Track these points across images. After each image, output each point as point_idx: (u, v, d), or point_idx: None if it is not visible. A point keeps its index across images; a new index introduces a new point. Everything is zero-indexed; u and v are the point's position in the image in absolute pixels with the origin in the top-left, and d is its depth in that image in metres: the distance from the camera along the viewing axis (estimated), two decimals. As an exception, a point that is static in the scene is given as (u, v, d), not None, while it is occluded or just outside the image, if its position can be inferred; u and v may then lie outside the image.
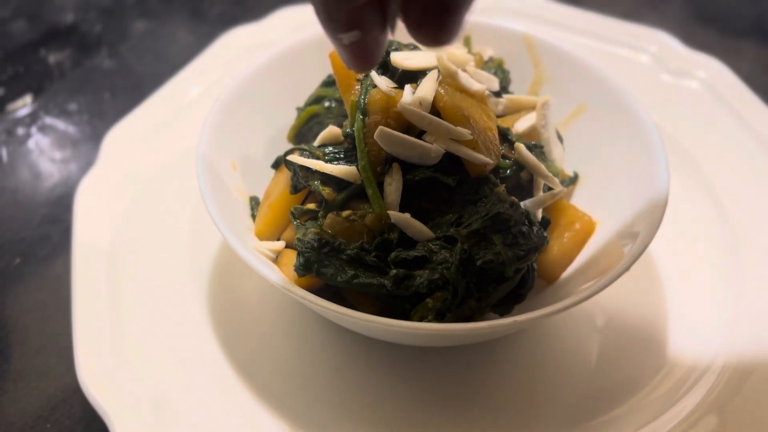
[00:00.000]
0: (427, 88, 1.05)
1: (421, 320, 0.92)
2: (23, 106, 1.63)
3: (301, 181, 1.07)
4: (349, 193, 1.04)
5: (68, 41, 1.81)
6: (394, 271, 0.94)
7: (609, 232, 1.13)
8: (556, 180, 1.09)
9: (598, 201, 1.20)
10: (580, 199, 1.24)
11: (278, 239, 1.12)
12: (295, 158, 1.06)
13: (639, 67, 1.55)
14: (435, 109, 1.04)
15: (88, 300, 1.12)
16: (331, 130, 1.11)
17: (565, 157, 1.29)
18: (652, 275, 1.23)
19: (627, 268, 0.96)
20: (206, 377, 1.06)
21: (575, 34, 1.62)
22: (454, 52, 1.13)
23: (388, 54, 1.09)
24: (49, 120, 1.58)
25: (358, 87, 1.08)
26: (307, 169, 1.05)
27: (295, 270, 0.98)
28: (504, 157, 1.09)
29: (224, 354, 1.09)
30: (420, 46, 1.15)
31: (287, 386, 1.06)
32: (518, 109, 1.20)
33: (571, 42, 1.58)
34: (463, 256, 0.93)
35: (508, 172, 1.08)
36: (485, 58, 1.29)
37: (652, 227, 1.00)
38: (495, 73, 1.23)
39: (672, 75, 1.53)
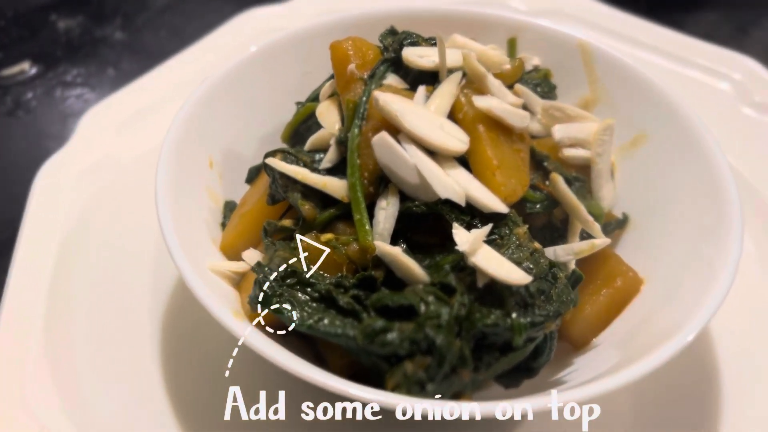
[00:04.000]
0: (444, 93, 0.84)
1: (394, 389, 0.71)
2: (20, 72, 1.48)
3: (280, 190, 0.87)
4: (334, 213, 0.84)
5: (82, 8, 1.66)
6: (369, 321, 0.73)
7: (658, 295, 0.90)
8: (598, 227, 0.86)
9: (650, 252, 0.97)
10: (627, 248, 1.02)
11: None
12: (275, 162, 0.87)
13: (717, 96, 1.30)
14: (453, 119, 0.83)
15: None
16: (325, 134, 0.91)
17: (617, 195, 1.07)
18: (705, 352, 0.99)
19: (674, 355, 0.73)
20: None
21: (645, 50, 1.38)
22: (485, 51, 0.91)
23: (400, 48, 0.89)
24: (41, 91, 1.43)
25: (360, 86, 0.88)
26: (288, 177, 0.86)
27: (249, 303, 0.78)
28: (534, 188, 0.87)
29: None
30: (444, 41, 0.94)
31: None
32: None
33: (638, 59, 1.34)
34: (461, 313, 0.72)
35: (538, 207, 0.86)
36: (528, 66, 1.07)
37: (715, 298, 0.77)
38: (538, 87, 1.01)
39: (755, 109, 1.28)
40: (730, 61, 1.35)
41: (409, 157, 0.78)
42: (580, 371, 0.87)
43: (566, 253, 0.86)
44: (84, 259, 1.01)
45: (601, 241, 0.86)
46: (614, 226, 1.02)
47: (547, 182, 0.88)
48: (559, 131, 0.92)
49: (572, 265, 0.88)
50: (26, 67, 1.51)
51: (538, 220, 0.88)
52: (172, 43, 1.54)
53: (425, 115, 0.81)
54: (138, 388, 0.89)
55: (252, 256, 0.88)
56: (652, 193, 1.02)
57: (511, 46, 1.14)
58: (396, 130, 0.80)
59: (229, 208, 0.98)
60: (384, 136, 0.78)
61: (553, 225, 0.89)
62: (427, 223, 0.81)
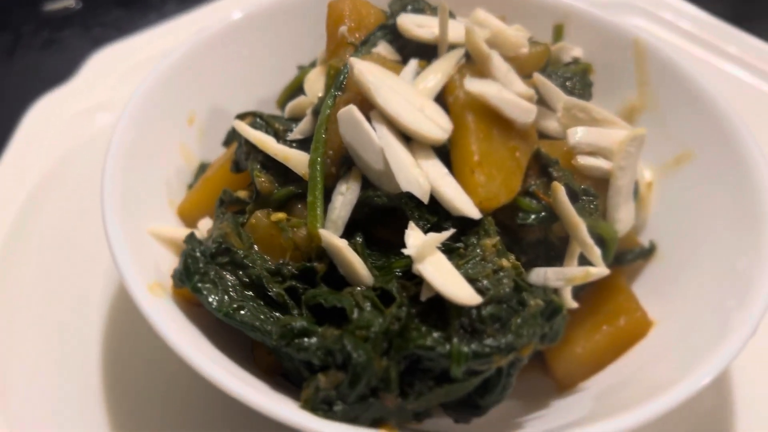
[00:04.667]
0: (437, 71, 0.72)
1: (305, 402, 0.61)
2: (64, 8, 1.46)
3: (242, 159, 0.78)
4: (293, 190, 0.74)
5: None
6: (288, 319, 0.63)
7: (665, 342, 0.77)
8: (598, 253, 0.72)
9: (669, 290, 0.83)
10: (648, 282, 0.89)
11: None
12: (239, 126, 0.77)
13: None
14: (443, 102, 0.71)
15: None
16: (304, 101, 0.81)
17: (647, 219, 0.92)
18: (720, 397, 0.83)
19: (651, 418, 0.59)
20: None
21: (721, 57, 1.19)
22: (503, 30, 0.78)
23: (394, 15, 0.77)
24: (78, 29, 1.40)
25: (350, 51, 0.77)
26: (252, 144, 0.76)
27: (172, 276, 0.69)
28: (532, 196, 0.74)
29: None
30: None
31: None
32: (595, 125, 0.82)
33: (709, 65, 1.17)
34: (393, 327, 0.60)
35: (531, 219, 0.73)
36: (567, 57, 0.93)
37: (719, 361, 0.63)
38: (568, 81, 0.87)
39: None
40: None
41: (376, 139, 0.67)
42: (548, 417, 0.74)
43: (557, 277, 0.73)
44: (53, 203, 0.95)
45: (597, 270, 0.72)
46: (636, 254, 0.87)
47: (549, 192, 0.75)
48: (576, 135, 0.78)
49: (567, 293, 0.75)
50: (72, 3, 1.48)
51: (532, 233, 0.75)
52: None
53: (406, 93, 0.69)
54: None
55: (207, 225, 0.80)
56: (687, 222, 0.87)
57: (557, 34, 1.00)
58: (371, 107, 0.69)
59: (203, 169, 0.90)
60: (352, 109, 0.67)
61: (549, 242, 0.76)
62: (393, 217, 0.70)
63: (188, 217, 0.84)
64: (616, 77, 0.97)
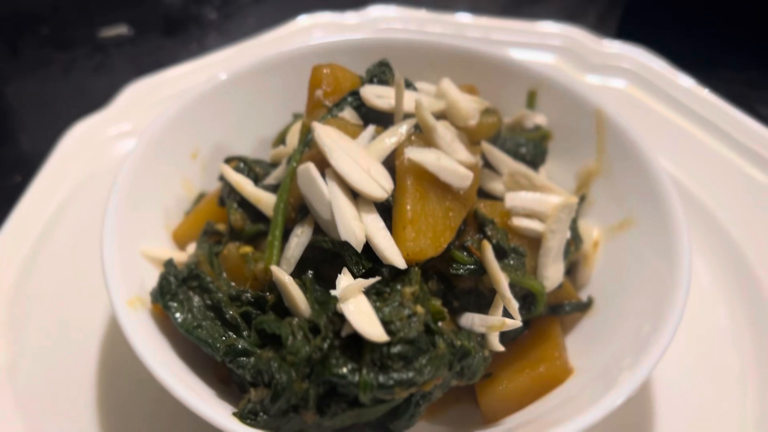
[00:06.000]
0: (390, 137, 0.84)
1: (238, 411, 0.74)
2: (117, 35, 1.63)
3: (225, 196, 0.92)
4: (261, 228, 0.88)
5: (191, -17, 1.79)
6: (232, 340, 0.76)
7: (579, 389, 0.86)
8: (515, 305, 0.83)
9: (593, 343, 0.92)
10: (581, 333, 0.98)
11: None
12: (223, 168, 0.91)
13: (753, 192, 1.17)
14: (392, 165, 0.83)
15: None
16: (283, 151, 0.94)
17: (591, 275, 1.01)
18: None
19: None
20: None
21: (692, 122, 1.26)
22: (457, 102, 0.89)
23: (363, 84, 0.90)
24: (127, 55, 1.57)
25: (322, 112, 0.90)
26: (232, 185, 0.90)
27: (150, 294, 0.83)
28: (467, 251, 0.85)
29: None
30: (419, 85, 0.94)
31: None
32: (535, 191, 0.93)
33: (680, 130, 1.25)
34: (315, 356, 0.72)
35: (462, 270, 0.84)
36: (529, 124, 1.03)
37: (611, 404, 0.73)
38: (523, 147, 0.97)
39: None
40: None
41: (326, 193, 0.79)
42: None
43: (481, 323, 0.83)
44: (76, 216, 1.11)
45: (512, 321, 0.82)
46: (573, 307, 0.96)
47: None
48: (513, 199, 0.88)
49: (494, 338, 0.85)
50: (125, 31, 1.66)
51: (464, 283, 0.86)
52: (260, 29, 1.62)
53: (357, 155, 0.81)
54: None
55: (194, 248, 0.94)
56: (622, 282, 0.96)
57: (530, 99, 1.10)
58: (328, 164, 0.81)
59: (200, 200, 1.04)
60: (309, 166, 0.80)
61: (480, 292, 0.86)
62: (339, 259, 0.82)
63: (181, 241, 0.98)
64: (578, 142, 1.07)
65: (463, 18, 1.45)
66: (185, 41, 1.65)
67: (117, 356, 0.97)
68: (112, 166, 1.18)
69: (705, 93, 1.31)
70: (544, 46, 1.39)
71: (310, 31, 1.41)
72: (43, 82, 1.57)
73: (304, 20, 1.45)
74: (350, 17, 1.46)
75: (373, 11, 1.46)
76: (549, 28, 1.42)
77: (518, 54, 1.38)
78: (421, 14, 1.45)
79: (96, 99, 1.47)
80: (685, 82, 1.33)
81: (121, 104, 1.26)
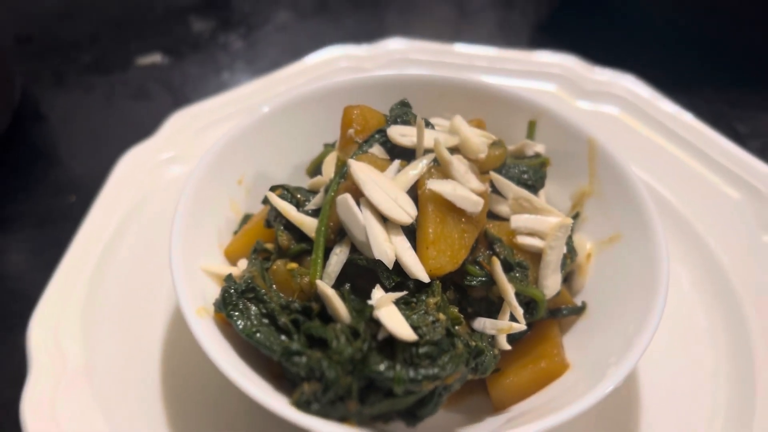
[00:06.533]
0: (413, 170, 1.00)
1: (294, 401, 0.89)
2: (152, 64, 1.79)
3: (272, 219, 1.07)
4: (305, 247, 1.03)
5: (216, 13, 1.94)
6: (287, 343, 0.92)
7: (576, 381, 1.02)
8: (520, 311, 0.98)
9: (586, 341, 1.08)
10: (577, 333, 1.12)
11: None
12: (270, 196, 1.07)
13: (725, 210, 1.32)
14: (415, 193, 0.98)
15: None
16: (321, 180, 1.09)
17: (585, 283, 1.17)
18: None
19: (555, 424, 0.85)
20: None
21: (678, 147, 1.42)
22: (468, 139, 1.05)
23: (389, 122, 1.05)
24: (162, 82, 1.72)
25: (354, 148, 1.06)
26: (278, 210, 1.05)
27: (214, 304, 0.99)
28: (479, 265, 1.00)
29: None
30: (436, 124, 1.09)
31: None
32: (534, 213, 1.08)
33: (664, 152, 1.40)
34: (357, 356, 0.88)
35: (475, 282, 0.99)
36: (530, 152, 1.19)
37: (598, 395, 0.89)
38: (525, 173, 1.13)
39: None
40: (764, 177, 1.35)
41: (362, 219, 0.95)
42: (479, 427, 1.00)
43: (491, 327, 0.99)
44: (134, 235, 1.27)
45: (518, 325, 0.98)
46: (569, 311, 1.11)
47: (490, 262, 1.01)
48: (517, 221, 1.04)
49: (502, 339, 1.01)
50: (158, 59, 1.82)
51: (476, 292, 1.01)
52: (282, 58, 1.78)
53: (386, 186, 0.96)
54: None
55: (244, 264, 1.09)
56: (612, 289, 1.11)
57: (531, 128, 1.26)
58: (362, 194, 0.97)
59: (246, 220, 1.20)
60: (347, 197, 0.95)
61: (490, 300, 1.02)
62: (372, 274, 0.98)
63: (232, 258, 1.13)
64: (573, 166, 1.21)
65: (470, 49, 1.60)
66: (216, 69, 1.80)
67: (178, 357, 1.13)
68: (163, 188, 1.34)
69: (688, 117, 1.47)
70: (542, 74, 1.54)
71: (333, 63, 1.57)
72: (86, 108, 1.72)
73: (325, 53, 1.61)
74: (368, 50, 1.61)
75: (389, 44, 1.62)
76: (546, 57, 1.58)
77: (519, 82, 1.54)
78: (433, 46, 1.61)
79: (136, 124, 1.63)
80: (669, 108, 1.48)
81: (166, 132, 1.41)
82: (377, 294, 0.91)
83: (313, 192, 1.10)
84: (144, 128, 1.52)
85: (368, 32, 1.82)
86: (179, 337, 1.14)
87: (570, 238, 1.11)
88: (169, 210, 1.21)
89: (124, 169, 1.36)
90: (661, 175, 1.38)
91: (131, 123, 1.64)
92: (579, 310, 1.12)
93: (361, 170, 0.97)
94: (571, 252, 1.11)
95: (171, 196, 1.29)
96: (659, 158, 1.41)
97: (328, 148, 1.20)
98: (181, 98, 1.70)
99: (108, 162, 1.41)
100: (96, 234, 1.25)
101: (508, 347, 1.01)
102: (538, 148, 1.20)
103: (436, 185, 0.96)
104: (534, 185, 1.14)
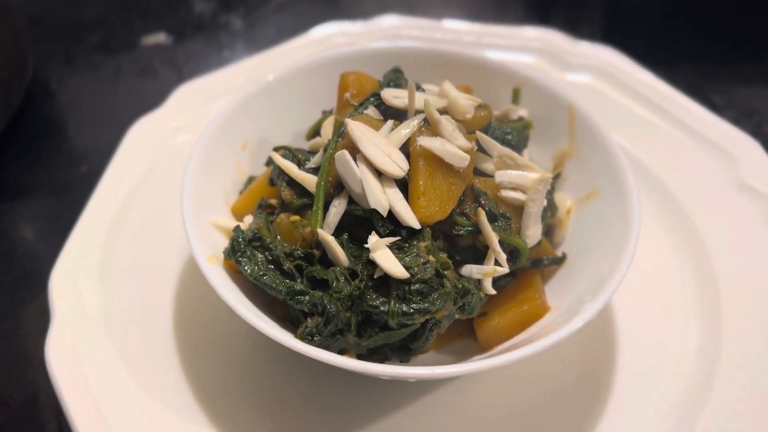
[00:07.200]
0: (405, 129, 1.09)
1: (298, 334, 0.99)
2: (156, 43, 1.87)
3: (275, 177, 1.16)
4: (306, 201, 1.12)
5: (219, -7, 2.03)
6: (292, 284, 1.01)
7: (555, 321, 1.10)
8: (503, 256, 1.08)
9: (565, 287, 1.17)
10: (557, 280, 1.22)
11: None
12: (274, 155, 1.15)
13: (705, 170, 1.42)
14: (407, 150, 1.07)
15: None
16: (320, 141, 1.18)
17: (565, 236, 1.26)
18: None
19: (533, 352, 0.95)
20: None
21: (663, 119, 1.51)
22: (457, 101, 1.14)
23: (383, 86, 1.14)
24: (166, 60, 1.81)
25: (350, 110, 1.15)
26: (281, 168, 1.14)
27: (223, 252, 1.08)
28: (465, 216, 1.09)
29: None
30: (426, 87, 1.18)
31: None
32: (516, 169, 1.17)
33: (640, 118, 1.50)
34: (355, 293, 0.98)
35: (462, 231, 1.08)
36: (514, 116, 1.28)
37: (571, 329, 0.98)
38: (509, 134, 1.22)
39: (738, 190, 1.39)
40: (734, 140, 1.45)
41: (358, 173, 1.04)
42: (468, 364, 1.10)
43: (478, 272, 1.08)
44: (145, 199, 1.36)
45: (501, 269, 1.07)
46: (550, 261, 1.21)
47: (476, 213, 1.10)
48: (501, 176, 1.13)
49: (488, 283, 1.10)
50: (163, 39, 1.90)
51: (464, 241, 1.10)
52: (281, 36, 1.86)
53: (380, 143, 1.05)
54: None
55: (249, 220, 1.19)
56: (589, 240, 1.20)
57: (515, 95, 1.35)
58: (358, 151, 1.06)
59: (250, 182, 1.29)
60: (344, 153, 1.04)
61: (476, 248, 1.11)
62: (368, 224, 1.07)
63: (238, 214, 1.22)
64: (554, 129, 1.30)
65: (459, 25, 1.70)
66: (218, 47, 1.89)
67: (189, 305, 1.22)
68: (172, 155, 1.43)
69: (664, 87, 1.56)
70: (526, 48, 1.64)
71: (330, 39, 1.66)
72: (95, 85, 1.81)
73: (322, 29, 1.70)
74: (362, 26, 1.70)
75: (383, 21, 1.71)
76: (529, 32, 1.67)
77: (504, 55, 1.64)
78: (424, 22, 1.70)
79: (142, 100, 1.71)
80: (647, 78, 1.58)
81: (174, 103, 1.50)
82: (373, 239, 1.00)
83: (313, 152, 1.18)
84: (150, 104, 1.59)
85: (364, 11, 1.90)
86: (190, 287, 1.24)
87: (551, 194, 1.20)
88: (178, 174, 1.31)
89: (135, 138, 1.44)
90: (639, 142, 1.48)
91: (138, 99, 1.73)
92: (559, 260, 1.21)
93: (357, 128, 1.05)
94: (551, 207, 1.20)
95: (179, 162, 1.38)
96: (636, 126, 1.51)
97: (327, 113, 1.29)
98: (185, 75, 1.78)
99: (116, 135, 1.49)
100: (110, 195, 1.34)
101: (493, 291, 1.10)
102: (522, 112, 1.29)
103: (427, 142, 1.05)
104: (517, 145, 1.23)
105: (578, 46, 1.64)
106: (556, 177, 1.30)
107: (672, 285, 1.29)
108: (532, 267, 1.20)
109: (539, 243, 1.17)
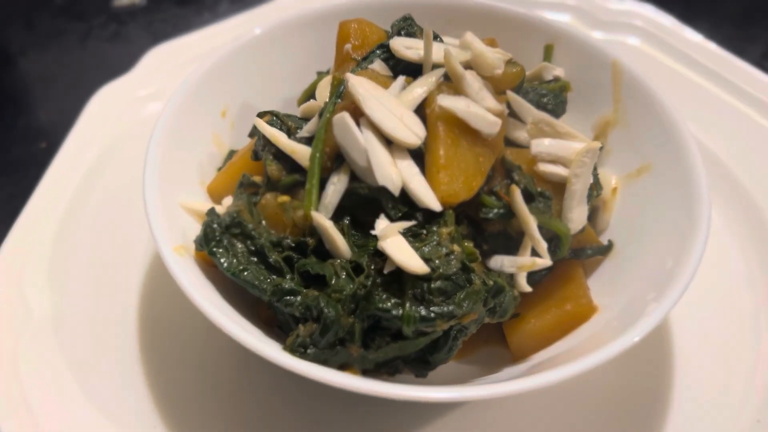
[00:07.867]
0: (420, 86, 0.87)
1: (287, 346, 0.78)
2: (130, 4, 1.66)
3: (260, 149, 0.95)
4: (297, 178, 0.91)
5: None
6: (279, 281, 0.80)
7: (604, 325, 0.90)
8: (544, 245, 0.87)
9: (615, 283, 0.96)
10: (604, 274, 1.01)
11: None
12: (258, 122, 0.94)
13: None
14: (422, 113, 0.86)
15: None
16: (314, 105, 0.97)
17: (610, 220, 1.05)
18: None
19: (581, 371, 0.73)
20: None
21: (706, 78, 1.30)
22: (483, 53, 0.92)
23: (392, 36, 0.93)
24: (141, 24, 1.59)
25: (352, 65, 0.93)
26: (267, 138, 0.93)
27: (194, 242, 0.86)
28: (496, 195, 0.88)
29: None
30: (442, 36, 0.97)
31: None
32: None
33: (692, 82, 1.28)
34: (359, 292, 0.76)
35: (492, 214, 0.87)
36: (548, 76, 1.06)
37: (633, 336, 0.77)
38: (544, 97, 1.01)
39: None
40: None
41: (362, 141, 0.82)
42: (495, 378, 0.89)
43: (510, 264, 0.88)
44: (109, 174, 1.15)
45: (542, 261, 0.86)
46: (594, 251, 1.00)
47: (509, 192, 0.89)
48: (538, 146, 0.92)
49: (522, 279, 0.89)
50: (137, 1, 1.68)
51: (493, 226, 0.89)
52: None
53: (390, 104, 0.84)
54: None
55: (230, 201, 0.97)
56: (641, 225, 1.00)
57: (547, 53, 1.14)
58: (362, 114, 0.85)
59: (231, 156, 1.07)
60: (344, 116, 0.83)
61: (508, 235, 0.90)
62: (375, 205, 0.85)
63: (215, 195, 1.01)
64: (595, 94, 1.10)
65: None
66: (198, 9, 1.67)
67: (155, 305, 1.02)
68: (141, 125, 1.22)
69: (712, 47, 1.35)
70: (556, 4, 1.42)
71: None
72: (59, 53, 1.59)
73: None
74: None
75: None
76: (560, -13, 1.45)
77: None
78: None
79: (113, 67, 1.49)
80: (693, 36, 1.36)
81: (145, 68, 1.29)
82: (382, 224, 0.79)
83: (306, 119, 0.97)
84: (121, 72, 1.39)
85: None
86: (159, 285, 1.03)
87: (595, 168, 0.99)
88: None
89: (98, 107, 1.24)
90: (688, 109, 1.25)
91: (107, 67, 1.50)
92: (605, 250, 1.01)
93: (360, 85, 0.84)
94: (596, 184, 0.99)
95: (149, 135, 1.16)
96: (684, 90, 1.30)
97: (322, 74, 1.08)
98: (161, 40, 1.56)
99: (82, 107, 1.28)
100: (66, 175, 1.13)
101: (529, 289, 0.90)
102: (558, 71, 1.08)
103: (448, 101, 0.84)
104: (554, 110, 1.02)
105: (615, 2, 1.42)
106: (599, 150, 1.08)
107: (737, 282, 1.08)
108: (572, 258, 0.98)
109: (583, 229, 0.95)
